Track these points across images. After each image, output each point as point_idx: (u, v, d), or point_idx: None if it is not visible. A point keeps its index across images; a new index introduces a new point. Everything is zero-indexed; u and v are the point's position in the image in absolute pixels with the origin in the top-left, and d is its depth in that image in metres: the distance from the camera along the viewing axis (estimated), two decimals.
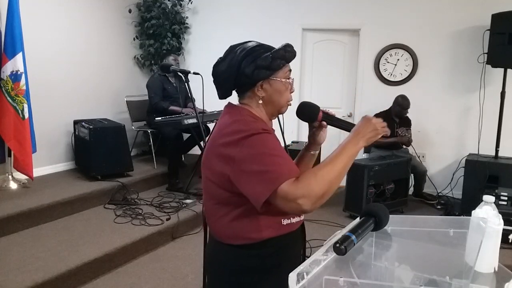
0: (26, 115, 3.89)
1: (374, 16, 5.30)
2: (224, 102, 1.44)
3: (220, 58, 1.42)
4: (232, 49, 1.40)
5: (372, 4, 5.30)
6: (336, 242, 1.00)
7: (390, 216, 1.17)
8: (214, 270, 1.48)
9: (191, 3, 5.84)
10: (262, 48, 1.38)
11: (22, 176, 4.09)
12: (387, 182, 4.49)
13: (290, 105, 1.45)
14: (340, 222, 4.26)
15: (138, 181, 4.62)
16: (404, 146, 4.94)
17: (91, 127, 4.42)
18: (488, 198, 1.15)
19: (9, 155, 4.02)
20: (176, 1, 5.79)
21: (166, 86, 5.06)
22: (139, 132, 5.52)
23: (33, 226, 3.55)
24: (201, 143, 5.01)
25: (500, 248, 1.14)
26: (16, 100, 3.85)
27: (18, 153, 3.90)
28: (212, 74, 1.43)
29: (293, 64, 1.42)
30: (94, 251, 3.17)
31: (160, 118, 4.58)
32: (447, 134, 5.22)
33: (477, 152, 4.73)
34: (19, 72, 3.83)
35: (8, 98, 3.84)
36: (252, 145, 1.27)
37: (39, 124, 4.19)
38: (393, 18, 5.25)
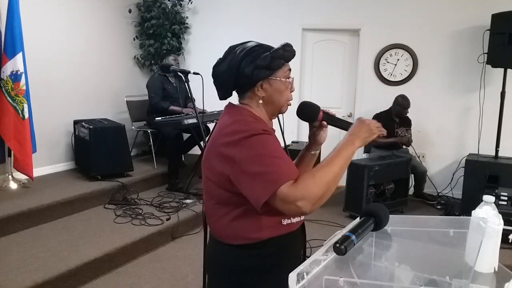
0: (26, 115, 3.89)
1: (374, 16, 5.30)
2: (224, 102, 1.44)
3: (219, 59, 1.42)
4: (231, 49, 1.40)
5: (372, 4, 5.30)
6: (336, 242, 1.00)
7: (390, 216, 1.17)
8: (214, 270, 1.48)
9: (191, 3, 5.84)
10: (261, 48, 1.38)
11: (22, 176, 4.09)
12: (387, 182, 4.49)
13: (290, 104, 1.45)
14: (340, 222, 4.26)
15: (138, 181, 4.62)
16: (404, 146, 4.94)
17: (91, 127, 4.42)
18: (488, 198, 1.15)
19: (9, 155, 4.02)
20: (176, 1, 5.79)
21: (166, 86, 5.06)
22: (139, 132, 5.52)
23: (33, 226, 3.55)
24: (201, 143, 5.01)
25: (500, 248, 1.14)
26: (16, 100, 3.85)
27: (18, 153, 3.90)
28: (212, 75, 1.43)
29: (293, 64, 1.42)
30: (94, 251, 3.17)
31: (160, 118, 4.58)
32: (447, 134, 5.22)
33: (477, 152, 4.73)
34: (19, 72, 3.83)
35: (8, 98, 3.84)
36: (252, 146, 1.27)
37: (39, 124, 4.19)
38: (393, 18, 5.25)
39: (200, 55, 5.93)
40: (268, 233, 1.35)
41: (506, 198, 3.75)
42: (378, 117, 4.80)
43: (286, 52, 1.37)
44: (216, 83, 1.43)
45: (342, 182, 4.32)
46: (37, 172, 4.22)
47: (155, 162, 5.12)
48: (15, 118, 3.86)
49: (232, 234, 1.37)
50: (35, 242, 3.28)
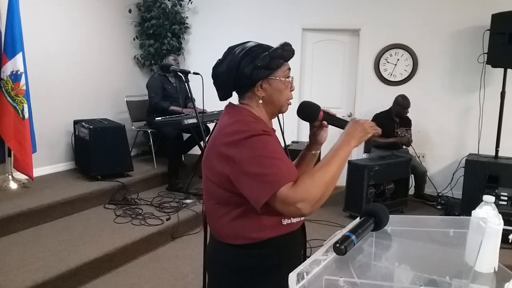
0: (26, 115, 3.89)
1: (374, 16, 5.30)
2: (224, 102, 1.44)
3: (219, 60, 1.42)
4: (230, 50, 1.40)
5: (372, 4, 5.30)
6: (336, 242, 1.00)
7: (390, 216, 1.17)
8: (214, 270, 1.48)
9: (191, 3, 5.84)
10: (260, 48, 1.38)
11: (22, 176, 4.09)
12: (387, 182, 4.49)
13: (290, 104, 1.46)
14: (340, 222, 4.26)
15: (138, 181, 4.62)
16: (404, 146, 4.94)
17: (91, 127, 4.42)
18: (488, 198, 1.15)
19: (9, 155, 4.02)
20: (176, 1, 5.79)
21: (166, 86, 5.06)
22: (139, 132, 5.52)
23: (33, 226, 3.55)
24: (201, 143, 5.01)
25: (500, 248, 1.14)
26: (16, 100, 3.85)
27: (18, 153, 3.90)
28: (212, 76, 1.43)
29: (293, 64, 1.42)
30: (94, 251, 3.17)
31: (160, 118, 4.58)
32: (447, 134, 5.21)
33: (477, 152, 4.73)
34: (19, 72, 3.83)
35: (8, 98, 3.84)
36: (252, 147, 1.27)
37: (39, 124, 4.19)
38: (393, 18, 5.25)
39: (200, 55, 5.93)
40: (268, 233, 1.35)
41: (506, 198, 3.75)
42: (378, 117, 4.80)
43: (285, 52, 1.37)
44: (216, 84, 1.43)
45: (342, 182, 4.32)
46: (37, 172, 4.22)
47: (155, 162, 5.12)
48: (15, 118, 3.86)
49: (232, 234, 1.37)
50: (35, 242, 3.28)
